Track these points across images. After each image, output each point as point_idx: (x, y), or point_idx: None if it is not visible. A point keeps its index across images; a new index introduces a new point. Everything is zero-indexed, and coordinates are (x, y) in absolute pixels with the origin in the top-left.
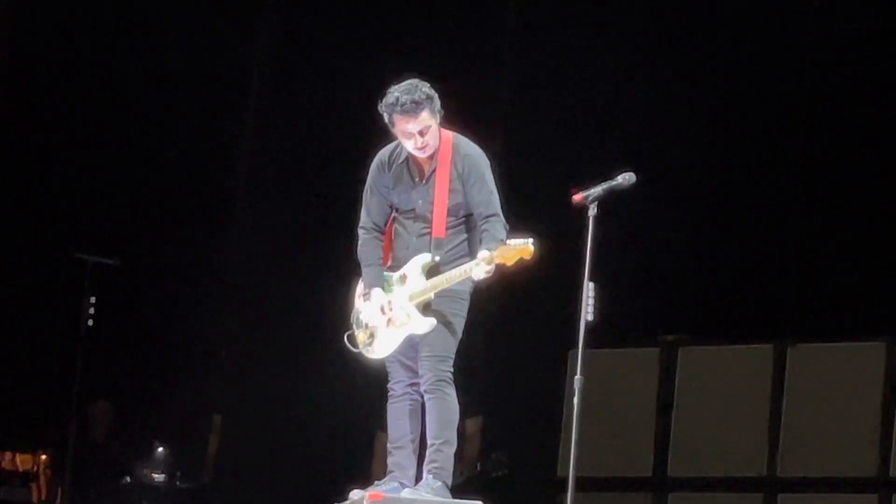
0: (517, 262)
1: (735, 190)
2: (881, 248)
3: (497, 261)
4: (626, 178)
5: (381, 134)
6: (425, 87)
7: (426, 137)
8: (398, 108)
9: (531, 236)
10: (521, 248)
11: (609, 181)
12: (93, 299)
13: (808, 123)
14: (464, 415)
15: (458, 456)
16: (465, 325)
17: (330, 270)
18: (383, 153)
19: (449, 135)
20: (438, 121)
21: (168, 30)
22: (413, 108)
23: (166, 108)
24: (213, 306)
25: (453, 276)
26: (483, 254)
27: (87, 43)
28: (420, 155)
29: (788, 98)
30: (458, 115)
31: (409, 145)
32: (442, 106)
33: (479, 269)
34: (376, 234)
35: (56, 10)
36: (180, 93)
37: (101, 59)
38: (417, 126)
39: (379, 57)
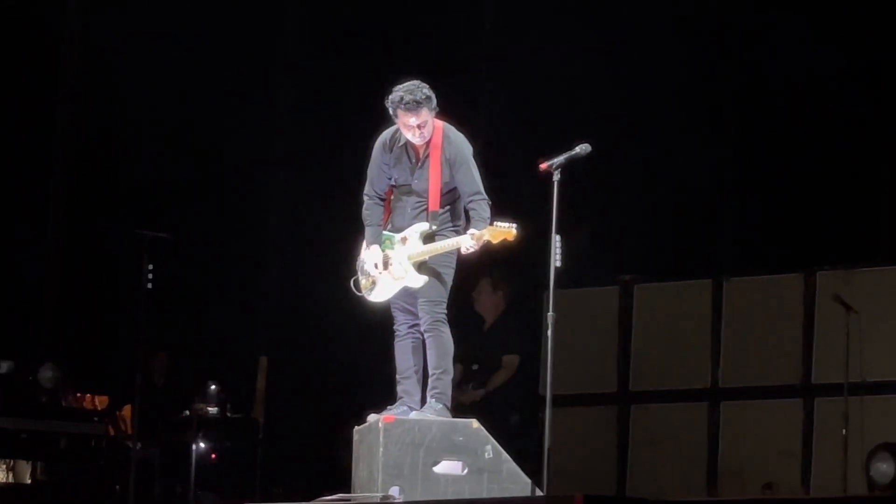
0: (501, 242)
1: (676, 155)
2: (795, 202)
3: (485, 238)
4: (583, 149)
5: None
6: (425, 88)
7: (424, 130)
8: (402, 105)
9: (513, 220)
10: (507, 231)
11: (569, 151)
12: (151, 266)
13: (738, 99)
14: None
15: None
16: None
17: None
18: (385, 135)
19: (439, 124)
20: (433, 116)
21: (206, 38)
22: (415, 106)
23: (209, 106)
24: (253, 269)
25: (445, 245)
26: (473, 231)
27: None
28: (417, 142)
29: (717, 72)
30: (447, 104)
31: (409, 135)
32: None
33: (467, 242)
34: (378, 200)
35: (124, 21)
36: (220, 93)
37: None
38: (417, 121)
39: (376, 57)
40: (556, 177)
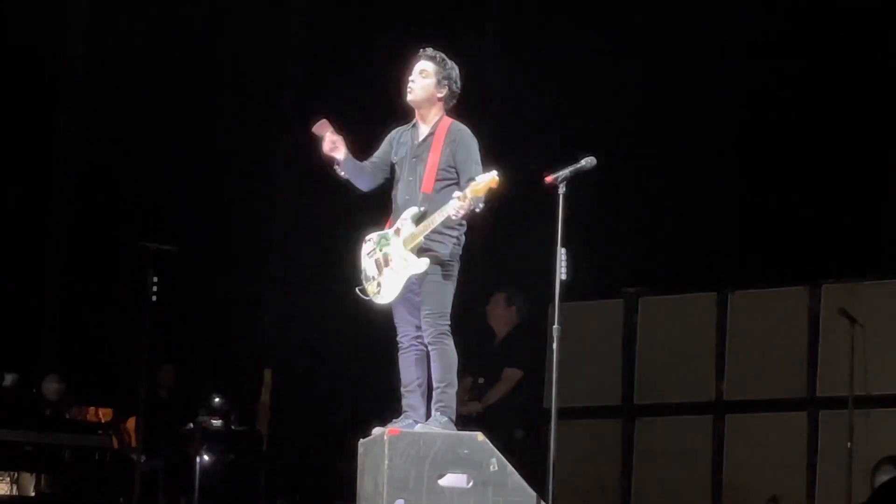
0: (488, 193)
1: (681, 169)
2: (800, 214)
3: (470, 194)
4: (588, 162)
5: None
6: (448, 60)
7: (416, 82)
8: (422, 51)
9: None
10: (488, 180)
11: (574, 164)
12: (156, 279)
13: (741, 113)
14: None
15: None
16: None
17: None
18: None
19: (449, 119)
20: (439, 90)
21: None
22: (426, 56)
23: (214, 120)
24: (257, 281)
25: (436, 219)
26: (457, 193)
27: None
28: (407, 96)
29: (721, 86)
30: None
31: (409, 84)
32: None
33: (455, 205)
34: (373, 162)
35: (125, 30)
36: (225, 106)
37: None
38: (419, 68)
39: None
40: (562, 189)
